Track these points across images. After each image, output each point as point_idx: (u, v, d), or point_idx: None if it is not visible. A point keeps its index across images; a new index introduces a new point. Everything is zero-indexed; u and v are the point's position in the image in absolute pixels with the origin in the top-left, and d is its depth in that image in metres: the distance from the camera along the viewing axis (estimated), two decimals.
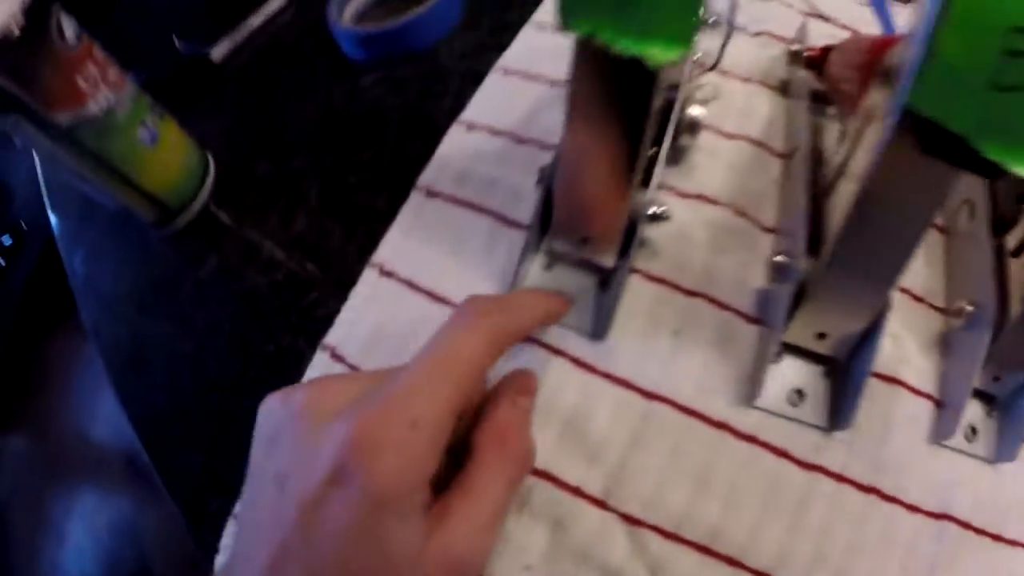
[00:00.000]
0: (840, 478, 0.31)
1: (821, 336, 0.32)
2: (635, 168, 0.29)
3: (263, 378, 0.42)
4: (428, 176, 0.42)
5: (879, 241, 0.26)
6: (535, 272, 0.36)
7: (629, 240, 0.33)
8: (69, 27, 0.42)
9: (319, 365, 0.39)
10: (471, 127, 0.43)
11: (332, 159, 0.47)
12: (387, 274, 0.40)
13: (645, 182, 0.34)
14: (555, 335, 0.35)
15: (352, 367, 0.38)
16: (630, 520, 0.31)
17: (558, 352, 0.35)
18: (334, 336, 0.39)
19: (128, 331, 0.47)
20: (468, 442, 0.26)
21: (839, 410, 0.32)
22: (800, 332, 0.32)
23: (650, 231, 0.37)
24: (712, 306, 0.35)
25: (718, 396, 0.33)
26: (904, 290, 0.36)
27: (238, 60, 0.61)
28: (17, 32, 0.39)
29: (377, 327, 0.38)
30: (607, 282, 0.35)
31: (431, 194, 0.41)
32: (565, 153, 0.30)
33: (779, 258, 0.33)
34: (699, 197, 0.38)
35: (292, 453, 0.23)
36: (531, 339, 0.35)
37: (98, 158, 0.46)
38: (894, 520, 0.30)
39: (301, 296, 0.44)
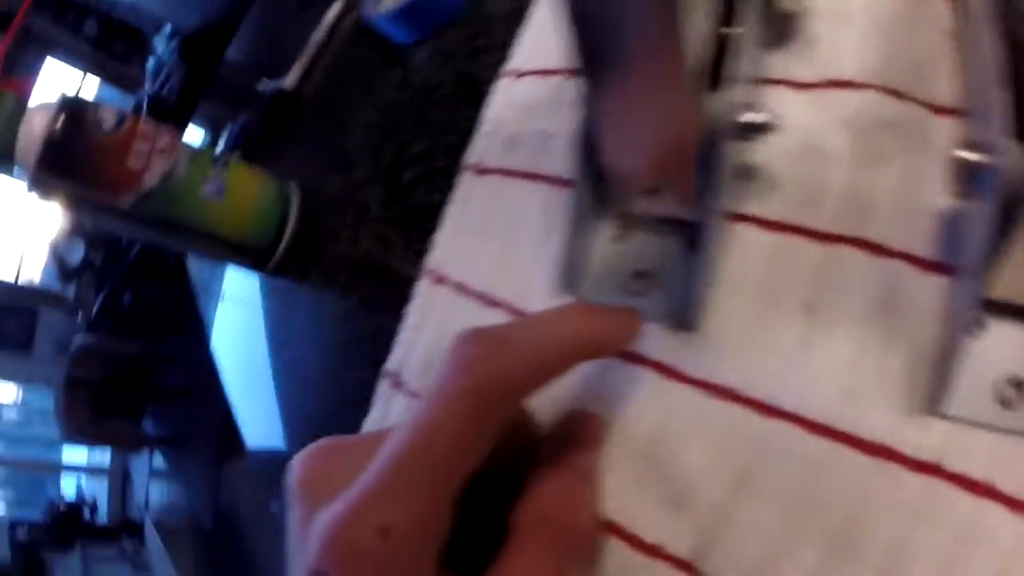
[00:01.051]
0: None
1: None
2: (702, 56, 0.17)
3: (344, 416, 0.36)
4: (477, 149, 0.33)
5: None
6: (602, 247, 0.25)
7: (712, 172, 0.21)
8: (108, 116, 0.41)
9: (382, 396, 0.33)
10: (520, 75, 0.33)
11: (390, 158, 0.40)
12: (440, 280, 0.32)
13: (717, 77, 0.21)
14: None
15: (415, 394, 0.30)
16: None
17: (632, 357, 0.24)
18: (394, 360, 0.32)
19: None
20: (506, 514, 0.20)
21: None
22: (1018, 280, 0.18)
23: (757, 153, 0.24)
24: (865, 253, 0.21)
25: (877, 403, 0.20)
26: None
27: (311, 82, 0.58)
28: (58, 136, 0.39)
29: (433, 345, 0.30)
30: (696, 243, 0.24)
31: (481, 171, 0.32)
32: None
33: (967, 153, 0.18)
34: (828, 84, 0.24)
35: (292, 536, 0.20)
36: None
37: (171, 225, 0.45)
38: None
39: (367, 323, 0.37)
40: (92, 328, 1.51)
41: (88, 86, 1.65)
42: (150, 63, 1.02)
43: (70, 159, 0.40)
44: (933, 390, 0.19)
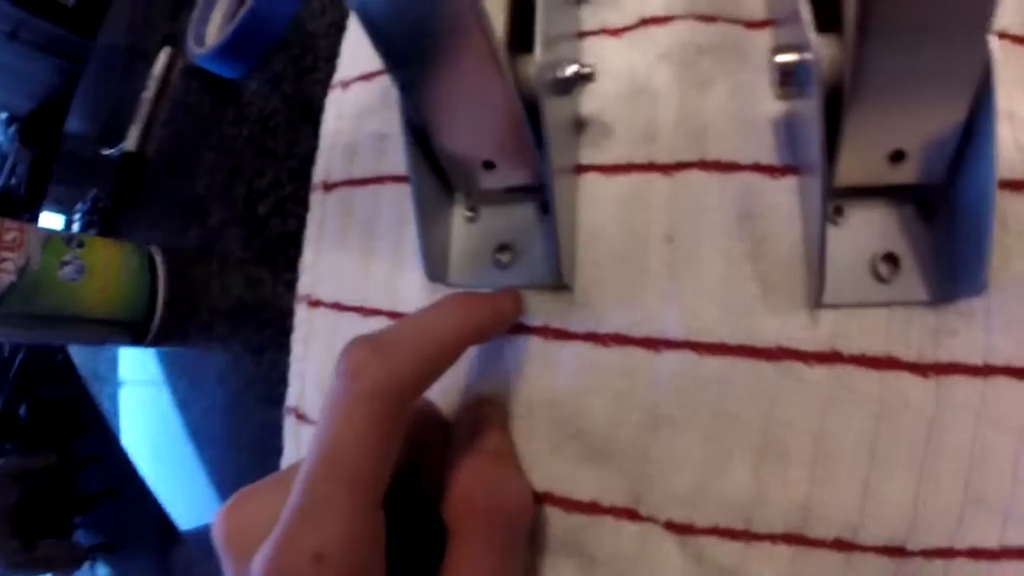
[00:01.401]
0: (986, 371, 0.18)
1: (895, 157, 0.18)
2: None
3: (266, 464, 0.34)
4: (320, 166, 0.31)
5: None
6: (458, 230, 0.25)
7: (543, 132, 0.21)
8: None
9: (290, 432, 0.31)
10: (346, 85, 0.32)
11: (241, 196, 0.39)
12: (314, 304, 0.30)
13: (529, 40, 0.21)
14: None
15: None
16: (677, 528, 0.20)
17: (515, 328, 0.23)
18: (292, 395, 0.31)
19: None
20: (442, 519, 0.20)
21: (957, 264, 0.18)
22: (860, 162, 0.18)
23: (587, 103, 0.24)
24: (712, 173, 0.21)
25: (760, 311, 0.20)
26: (1000, 34, 0.20)
27: (152, 139, 0.54)
28: None
29: (323, 369, 0.29)
30: (545, 204, 0.24)
31: (328, 188, 0.31)
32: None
33: (783, 57, 0.18)
34: (642, 23, 0.24)
35: None
36: None
37: (38, 318, 0.41)
38: None
39: (256, 364, 0.35)
40: None
41: None
42: None
43: None
44: (812, 284, 0.19)
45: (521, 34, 0.20)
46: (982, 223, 0.17)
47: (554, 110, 0.21)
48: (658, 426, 0.21)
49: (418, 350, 0.18)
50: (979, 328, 0.18)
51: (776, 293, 0.20)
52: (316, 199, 0.31)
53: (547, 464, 0.22)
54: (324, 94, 0.34)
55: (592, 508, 0.21)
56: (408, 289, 0.26)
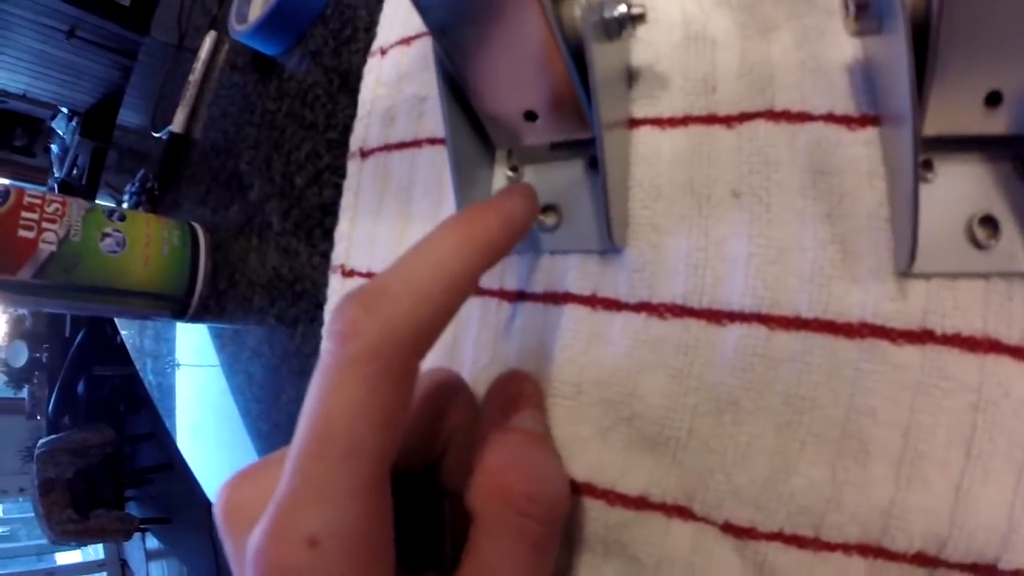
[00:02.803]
0: None
1: (991, 99, 0.15)
2: None
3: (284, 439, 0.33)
4: (358, 134, 0.29)
5: None
6: (500, 190, 0.23)
7: (592, 80, 0.18)
8: None
9: None
10: (384, 52, 0.30)
11: (280, 169, 0.37)
12: (349, 274, 0.28)
13: None
14: (548, 270, 0.21)
15: None
16: (735, 531, 0.17)
17: (563, 298, 0.20)
18: None
19: None
20: (466, 501, 0.17)
21: None
22: (952, 107, 0.15)
23: (639, 53, 0.21)
24: (781, 124, 0.18)
25: (841, 279, 0.17)
26: None
27: (198, 120, 0.53)
28: None
29: None
30: (596, 160, 0.21)
31: (365, 154, 0.29)
32: None
33: None
34: None
35: (235, 572, 0.17)
36: (517, 291, 0.21)
37: (80, 289, 0.40)
38: None
39: (290, 336, 0.34)
40: (53, 426, 1.42)
41: None
42: (54, 149, 0.95)
43: None
44: (899, 249, 0.16)
45: None
46: None
47: (603, 56, 0.18)
48: (720, 411, 0.18)
49: (416, 292, 0.15)
50: None
51: (858, 260, 0.17)
52: (353, 167, 0.29)
53: (592, 451, 0.19)
54: (363, 64, 0.32)
55: (639, 503, 0.18)
56: None
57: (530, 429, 0.18)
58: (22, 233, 0.38)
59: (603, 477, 0.19)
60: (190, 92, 0.53)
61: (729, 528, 0.17)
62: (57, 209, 0.40)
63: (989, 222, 0.16)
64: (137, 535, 1.45)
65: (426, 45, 0.28)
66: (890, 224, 0.17)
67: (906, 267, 0.16)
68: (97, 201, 0.74)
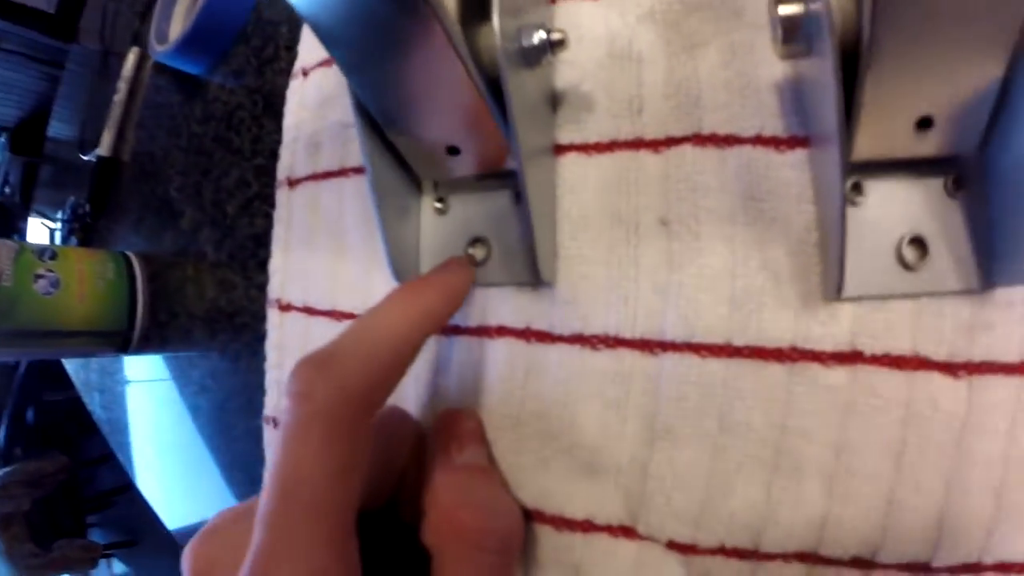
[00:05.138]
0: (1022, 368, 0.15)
1: (922, 124, 0.15)
2: None
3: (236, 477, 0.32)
4: (284, 162, 0.28)
5: None
6: (428, 224, 0.22)
7: (509, 110, 0.18)
8: None
9: (269, 443, 0.28)
10: (306, 73, 0.29)
11: (211, 196, 0.36)
12: (286, 309, 0.27)
13: (483, 7, 0.18)
14: (482, 304, 0.20)
15: None
16: (680, 548, 0.17)
17: (496, 331, 0.20)
18: (270, 404, 0.28)
19: None
20: (422, 538, 0.17)
21: (995, 248, 0.15)
22: (882, 131, 0.15)
23: (563, 75, 0.21)
24: (710, 148, 0.18)
25: (770, 305, 0.17)
26: None
27: (126, 143, 0.51)
28: None
29: None
30: (520, 192, 0.21)
31: (293, 183, 0.28)
32: None
33: (786, 8, 0.15)
34: None
35: None
36: (452, 326, 0.21)
37: (16, 335, 0.39)
38: None
39: (233, 372, 0.33)
40: (6, 458, 1.36)
41: None
42: None
43: None
44: (827, 273, 0.16)
45: (476, 1, 0.17)
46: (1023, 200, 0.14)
47: (522, 84, 0.18)
48: (656, 439, 0.18)
49: (367, 356, 0.16)
50: (1018, 321, 0.15)
51: (788, 285, 0.17)
52: (281, 196, 0.28)
53: (535, 480, 0.19)
54: (286, 85, 0.31)
55: (586, 526, 0.18)
56: (379, 291, 0.23)
57: (476, 464, 0.19)
58: None
59: (549, 503, 0.19)
60: (116, 113, 0.51)
61: (673, 545, 0.18)
62: None
63: (918, 243, 0.16)
64: (103, 561, 1.40)
65: None
66: (818, 249, 0.17)
67: (834, 295, 0.16)
68: (34, 232, 0.70)
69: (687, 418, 0.17)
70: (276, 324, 0.28)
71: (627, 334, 0.18)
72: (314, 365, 0.16)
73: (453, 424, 0.20)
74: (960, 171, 0.16)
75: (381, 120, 0.19)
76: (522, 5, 0.19)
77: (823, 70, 0.15)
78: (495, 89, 0.17)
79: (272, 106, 0.31)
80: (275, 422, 0.28)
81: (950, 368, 0.16)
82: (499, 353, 0.20)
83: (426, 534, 0.17)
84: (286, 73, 0.31)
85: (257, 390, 0.30)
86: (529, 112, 0.18)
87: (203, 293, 0.35)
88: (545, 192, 0.19)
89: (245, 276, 0.31)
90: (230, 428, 0.34)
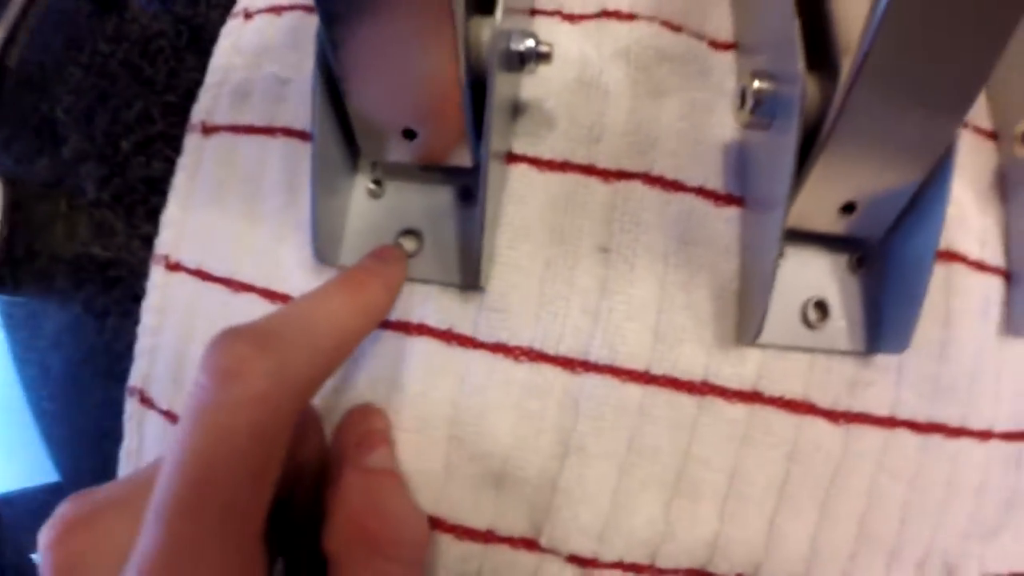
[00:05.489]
0: (891, 423, 0.18)
1: (847, 208, 0.17)
2: None
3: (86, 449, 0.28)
4: (202, 105, 0.25)
5: (956, 26, 0.12)
6: (358, 206, 0.20)
7: (485, 109, 0.16)
8: None
9: (132, 418, 0.25)
10: (249, 15, 0.26)
11: (104, 126, 0.31)
12: (174, 268, 0.24)
13: (485, 5, 0.17)
14: (408, 300, 0.19)
15: (168, 414, 0.23)
16: (580, 561, 0.18)
17: (416, 329, 0.19)
18: (137, 374, 0.25)
19: None
20: (323, 544, 0.16)
21: (884, 320, 0.18)
22: (814, 208, 0.17)
23: (529, 87, 0.20)
24: (656, 189, 0.19)
25: (689, 341, 0.18)
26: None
27: (15, 48, 0.45)
28: None
29: (179, 349, 0.23)
30: (469, 192, 0.19)
31: (208, 130, 0.24)
32: None
33: (761, 84, 0.16)
34: (602, 15, 0.21)
35: None
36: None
37: None
38: (961, 460, 0.19)
39: (98, 331, 0.29)
40: None
41: None
42: None
43: None
44: (744, 321, 0.18)
45: None
46: (916, 286, 0.16)
47: (500, 86, 0.17)
48: (568, 454, 0.18)
49: (312, 343, 0.15)
50: (891, 383, 0.18)
51: (706, 326, 0.18)
52: (192, 142, 0.25)
53: (439, 487, 0.18)
54: (221, 22, 0.27)
55: (487, 537, 0.18)
56: (288, 266, 0.21)
57: (385, 469, 0.18)
58: None
59: (451, 512, 0.19)
60: (13, 11, 0.44)
61: (573, 559, 0.18)
62: None
63: (821, 306, 0.18)
64: None
65: (299, 21, 0.24)
66: (736, 298, 0.18)
67: (751, 340, 0.17)
68: None
69: (601, 437, 0.18)
70: (159, 284, 0.24)
71: (551, 350, 0.18)
72: (247, 341, 0.13)
73: (363, 423, 0.18)
74: (865, 252, 0.19)
75: (345, 84, 0.17)
76: (516, 10, 0.18)
77: (779, 145, 0.16)
78: (474, 83, 0.16)
79: (199, 40, 0.28)
80: (141, 394, 0.25)
81: (832, 415, 0.18)
82: (416, 352, 0.19)
83: (328, 539, 0.16)
84: (223, 8, 0.28)
85: (124, 356, 0.26)
86: (498, 115, 0.17)
87: (74, 234, 0.30)
88: (493, 197, 0.18)
89: (129, 224, 0.27)
90: (84, 394, 0.29)
